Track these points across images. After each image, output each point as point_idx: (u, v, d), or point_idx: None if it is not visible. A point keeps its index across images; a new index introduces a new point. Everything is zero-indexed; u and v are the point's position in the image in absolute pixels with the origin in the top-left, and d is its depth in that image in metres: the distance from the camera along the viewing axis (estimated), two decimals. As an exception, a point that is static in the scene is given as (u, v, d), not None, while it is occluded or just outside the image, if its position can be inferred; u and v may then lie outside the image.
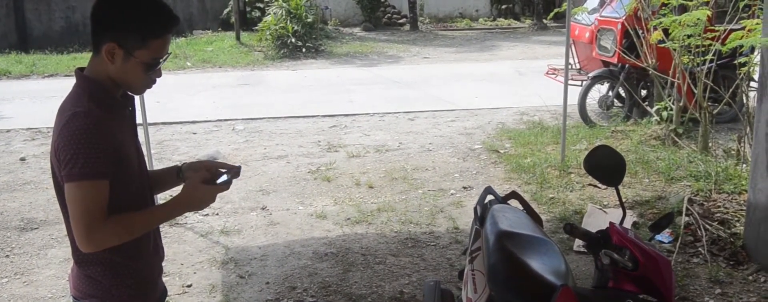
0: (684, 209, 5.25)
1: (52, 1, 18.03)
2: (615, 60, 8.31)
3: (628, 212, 5.33)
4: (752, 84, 7.25)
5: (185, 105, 10.42)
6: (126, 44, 1.98)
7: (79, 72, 2.07)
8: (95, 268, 2.09)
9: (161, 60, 2.06)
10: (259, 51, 16.05)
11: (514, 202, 3.21)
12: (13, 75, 13.72)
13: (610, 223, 2.33)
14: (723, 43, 6.47)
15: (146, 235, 2.18)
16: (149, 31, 1.99)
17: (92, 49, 2.06)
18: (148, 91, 2.18)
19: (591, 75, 8.65)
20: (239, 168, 2.13)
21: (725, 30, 6.69)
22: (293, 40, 15.75)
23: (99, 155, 1.90)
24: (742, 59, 6.61)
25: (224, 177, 2.15)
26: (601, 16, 8.75)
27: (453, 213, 5.70)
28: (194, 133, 8.63)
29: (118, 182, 1.97)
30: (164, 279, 2.36)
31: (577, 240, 4.64)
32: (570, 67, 8.10)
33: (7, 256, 5.12)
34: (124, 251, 2.08)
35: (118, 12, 1.98)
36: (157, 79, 2.13)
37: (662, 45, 7.12)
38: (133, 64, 2.01)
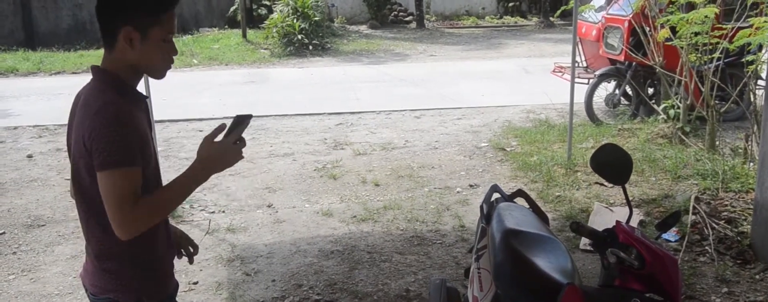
0: (691, 208, 5.23)
1: (59, -2, 18.07)
2: (622, 58, 8.28)
3: (635, 210, 5.32)
4: (760, 82, 7.24)
5: (191, 102, 10.44)
6: (140, 25, 1.99)
7: (96, 68, 2.08)
8: (113, 262, 2.11)
9: (172, 35, 2.08)
10: (265, 49, 16.06)
11: (520, 200, 3.21)
12: (20, 72, 13.76)
13: (617, 222, 2.33)
14: (730, 41, 6.46)
15: (161, 229, 2.20)
16: (159, 4, 2.01)
17: (104, 45, 2.07)
18: (152, 88, 2.20)
19: (598, 73, 8.63)
20: (249, 116, 2.10)
21: (733, 28, 6.66)
22: (300, 37, 15.76)
23: (132, 143, 1.93)
24: (749, 57, 6.59)
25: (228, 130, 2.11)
26: (608, 14, 8.72)
27: (459, 212, 5.70)
28: (200, 131, 8.64)
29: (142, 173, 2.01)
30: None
31: (583, 238, 4.64)
32: (577, 65, 8.08)
33: (14, 253, 5.14)
34: (141, 244, 2.09)
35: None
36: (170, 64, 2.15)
37: (669, 43, 7.10)
38: (152, 45, 2.03)
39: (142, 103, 2.13)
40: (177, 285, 2.38)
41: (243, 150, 2.09)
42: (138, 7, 1.98)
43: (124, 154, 1.91)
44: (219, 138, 2.07)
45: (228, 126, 2.08)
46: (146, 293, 2.17)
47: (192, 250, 2.50)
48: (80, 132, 1.98)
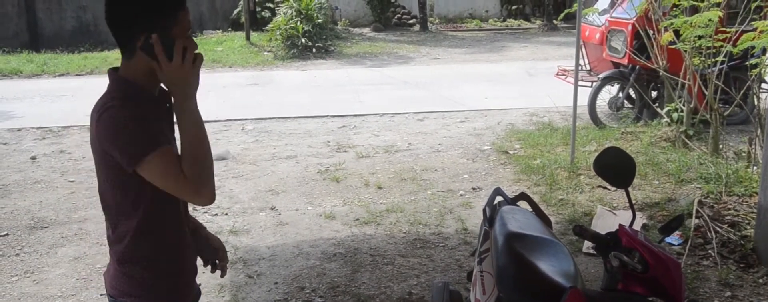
0: (694, 211, 5.22)
1: (63, 0, 18.11)
2: (625, 61, 8.28)
3: (638, 214, 5.31)
4: (763, 86, 7.24)
5: (195, 105, 10.43)
6: (158, 29, 1.95)
7: (113, 73, 2.07)
8: (135, 267, 2.11)
9: (190, 31, 2.05)
10: (268, 51, 16.08)
11: (523, 204, 3.21)
12: (24, 74, 13.78)
13: (620, 225, 2.33)
14: (734, 45, 6.45)
15: (186, 234, 2.23)
16: (174, 3, 1.99)
17: (121, 52, 2.04)
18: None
19: (601, 76, 8.62)
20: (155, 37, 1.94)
21: (736, 31, 6.66)
22: (303, 40, 15.77)
23: (145, 131, 1.94)
24: (753, 61, 6.58)
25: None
26: (611, 17, 8.72)
27: (462, 215, 5.69)
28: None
29: None
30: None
31: (586, 242, 4.64)
32: (580, 68, 8.07)
33: (17, 255, 5.15)
34: (165, 250, 2.12)
35: (136, 2, 1.97)
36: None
37: (673, 46, 7.09)
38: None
39: (164, 105, 2.11)
40: (199, 292, 2.37)
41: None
42: (152, 11, 1.96)
43: (144, 141, 1.92)
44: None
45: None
46: (167, 299, 2.17)
47: (219, 262, 2.48)
48: (94, 143, 2.01)
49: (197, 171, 1.95)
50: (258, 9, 19.89)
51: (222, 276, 2.53)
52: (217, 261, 2.48)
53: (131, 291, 2.13)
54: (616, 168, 2.47)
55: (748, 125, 7.79)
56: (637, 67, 8.16)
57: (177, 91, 1.98)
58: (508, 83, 12.07)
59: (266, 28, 17.18)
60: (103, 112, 1.95)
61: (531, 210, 3.16)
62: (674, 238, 4.96)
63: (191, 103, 1.99)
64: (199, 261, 2.39)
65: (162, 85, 2.05)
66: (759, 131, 6.26)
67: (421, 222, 5.56)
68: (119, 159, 1.94)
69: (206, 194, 1.98)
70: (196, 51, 2.02)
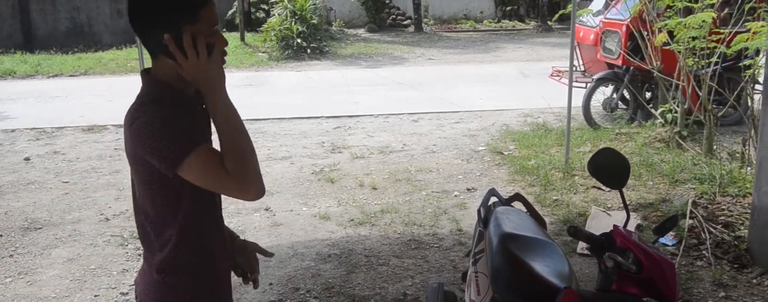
0: (688, 212, 5.24)
1: (57, 1, 18.07)
2: (619, 62, 8.29)
3: (632, 215, 5.32)
4: (757, 86, 7.25)
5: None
6: (178, 27, 1.87)
7: (145, 75, 2.01)
8: (177, 276, 2.04)
9: (216, 25, 1.97)
10: (263, 52, 16.07)
11: (517, 204, 3.21)
12: (18, 75, 13.75)
13: (614, 226, 2.33)
14: (728, 46, 6.47)
15: (222, 245, 2.17)
16: (192, 3, 1.90)
17: (150, 55, 1.98)
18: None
19: (595, 77, 8.64)
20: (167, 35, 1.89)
21: (730, 32, 6.68)
22: (298, 41, 15.76)
23: (184, 130, 1.87)
24: (746, 62, 6.59)
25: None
26: (605, 18, 8.74)
27: (456, 215, 5.70)
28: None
29: None
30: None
31: (580, 242, 4.64)
32: (574, 69, 8.09)
33: (11, 256, 5.13)
34: (203, 260, 2.06)
35: (155, 2, 1.90)
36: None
37: (667, 47, 7.11)
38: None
39: (198, 106, 2.04)
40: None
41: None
42: (171, 11, 1.88)
43: (182, 142, 1.86)
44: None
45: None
46: None
47: (250, 274, 2.39)
48: (129, 152, 1.95)
49: (241, 166, 1.88)
50: (253, 10, 19.88)
51: (254, 287, 2.48)
52: (248, 274, 2.39)
53: (165, 298, 2.06)
54: (610, 169, 2.48)
55: (741, 126, 7.80)
56: (632, 68, 8.17)
57: (202, 87, 1.92)
58: (503, 84, 12.08)
59: (261, 28, 17.18)
60: (134, 119, 1.89)
61: (525, 210, 3.16)
62: (668, 239, 4.97)
63: (221, 96, 1.92)
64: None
65: None
66: (752, 132, 6.28)
67: (415, 222, 5.56)
68: (158, 164, 1.88)
69: (253, 188, 1.90)
70: (221, 45, 1.95)
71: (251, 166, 1.90)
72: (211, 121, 1.97)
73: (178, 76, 1.94)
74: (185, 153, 1.85)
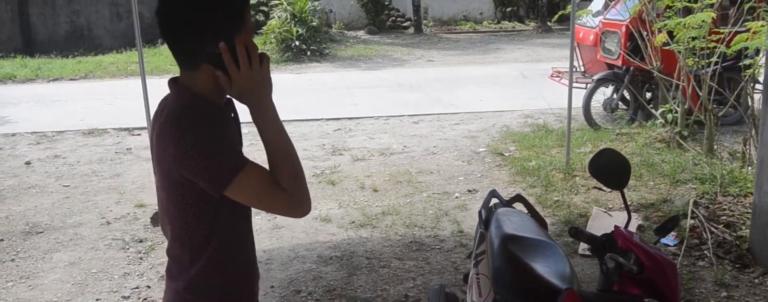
0: (689, 212, 5.23)
1: (56, 5, 18.08)
2: (619, 62, 8.29)
3: (633, 215, 5.31)
4: (757, 86, 7.25)
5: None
6: (226, 35, 1.77)
7: (177, 85, 1.88)
8: (204, 297, 1.95)
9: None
10: (263, 54, 16.06)
11: (518, 205, 3.21)
12: (18, 79, 13.76)
13: (615, 226, 2.33)
14: (728, 46, 6.47)
15: (252, 262, 2.06)
16: (238, 4, 1.81)
17: (182, 64, 1.86)
18: (149, 94, 2.06)
19: (595, 78, 8.64)
20: (222, 45, 1.79)
21: (730, 32, 6.68)
22: (297, 43, 15.76)
23: (230, 147, 1.78)
24: (746, 61, 6.60)
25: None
26: (605, 19, 8.74)
27: (458, 217, 5.69)
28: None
29: None
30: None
31: (582, 243, 4.63)
32: (574, 69, 8.09)
33: (13, 260, 5.13)
34: (232, 281, 1.96)
35: (199, 8, 1.77)
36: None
37: (667, 47, 7.11)
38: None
39: (229, 114, 1.93)
40: None
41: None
42: (224, 18, 1.77)
43: (230, 160, 1.76)
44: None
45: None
46: None
47: None
48: (163, 168, 1.84)
49: (297, 182, 1.81)
50: (252, 12, 19.88)
51: None
52: None
53: None
54: (611, 169, 2.47)
55: (742, 125, 7.80)
56: (632, 68, 8.18)
57: (253, 99, 1.82)
58: (503, 85, 12.08)
59: (260, 31, 17.18)
60: (175, 137, 1.76)
61: (526, 212, 3.16)
62: (670, 239, 4.97)
63: (271, 109, 1.84)
64: None
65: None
66: (753, 131, 6.28)
67: (416, 224, 5.56)
68: (205, 184, 1.77)
69: (306, 204, 1.85)
70: (260, 51, 1.87)
71: (304, 182, 1.85)
72: (258, 134, 1.86)
73: (217, 87, 1.84)
74: (235, 172, 1.76)
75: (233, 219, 1.91)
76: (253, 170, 1.78)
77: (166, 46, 1.95)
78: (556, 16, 9.46)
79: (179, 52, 1.83)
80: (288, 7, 16.28)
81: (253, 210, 2.00)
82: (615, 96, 8.63)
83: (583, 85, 8.71)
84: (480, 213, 3.13)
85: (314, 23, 16.52)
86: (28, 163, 7.69)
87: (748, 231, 4.85)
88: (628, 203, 2.52)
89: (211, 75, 1.81)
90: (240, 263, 2.00)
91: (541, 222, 3.06)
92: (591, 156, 2.51)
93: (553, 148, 7.56)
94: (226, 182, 1.76)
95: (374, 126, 9.17)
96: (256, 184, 1.79)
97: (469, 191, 6.35)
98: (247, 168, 1.77)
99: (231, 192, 1.78)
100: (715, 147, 6.90)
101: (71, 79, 13.63)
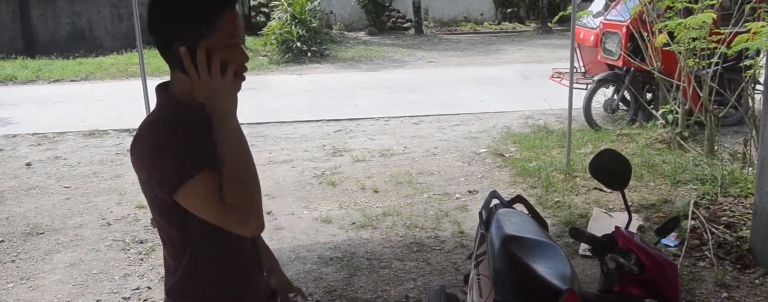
0: (690, 213, 5.23)
1: (57, 6, 18.09)
2: (620, 63, 8.29)
3: (634, 216, 5.30)
4: (758, 87, 7.25)
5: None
6: (190, 38, 1.75)
7: (160, 91, 1.90)
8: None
9: (237, 36, 1.81)
10: (264, 55, 16.08)
11: (519, 206, 3.21)
12: (19, 80, 13.76)
13: (616, 227, 2.33)
14: (728, 46, 6.47)
15: (243, 267, 2.01)
16: (209, 10, 1.76)
17: (169, 66, 1.87)
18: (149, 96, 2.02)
19: (596, 78, 8.64)
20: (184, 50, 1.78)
21: (730, 33, 6.68)
22: (298, 44, 15.77)
23: (188, 154, 1.75)
24: (747, 62, 6.60)
25: None
26: (606, 20, 8.74)
27: (458, 218, 5.69)
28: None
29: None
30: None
31: (582, 244, 4.63)
32: (575, 70, 8.09)
33: (13, 261, 5.13)
34: (219, 287, 1.95)
35: (168, 10, 1.77)
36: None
37: (667, 48, 7.11)
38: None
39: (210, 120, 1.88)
40: None
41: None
42: (183, 19, 1.76)
43: (183, 167, 1.73)
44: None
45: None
46: None
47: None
48: (136, 172, 1.85)
49: (243, 199, 1.74)
50: (253, 13, 19.89)
51: None
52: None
53: None
54: (611, 170, 2.47)
55: (742, 126, 7.80)
56: (632, 69, 8.18)
57: (213, 109, 1.79)
58: (504, 86, 12.08)
59: (261, 32, 17.19)
60: (138, 140, 1.80)
61: (527, 212, 3.16)
62: (670, 240, 4.96)
63: (231, 121, 1.78)
64: None
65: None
66: (754, 132, 6.28)
67: (417, 225, 5.56)
68: (158, 190, 1.78)
69: (253, 224, 1.77)
70: (244, 63, 1.84)
71: (254, 200, 1.78)
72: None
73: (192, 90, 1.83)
74: (183, 179, 1.73)
75: (206, 228, 1.83)
76: (202, 180, 1.74)
77: None
78: (557, 17, 9.46)
79: (160, 54, 1.85)
80: (288, 8, 16.29)
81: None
82: (615, 97, 8.63)
83: (584, 86, 8.71)
84: (480, 214, 3.13)
85: (315, 24, 16.53)
86: (28, 164, 7.69)
87: (748, 231, 4.85)
88: (629, 204, 2.52)
89: (187, 78, 1.81)
90: (222, 274, 1.95)
91: (541, 222, 3.06)
92: (591, 157, 2.51)
93: (554, 148, 7.56)
94: (173, 189, 1.75)
95: (375, 127, 9.17)
96: (202, 195, 1.74)
97: (470, 192, 6.35)
98: (198, 178, 1.73)
99: (179, 199, 1.76)
100: (716, 148, 6.90)
101: (72, 81, 13.63)
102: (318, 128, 9.16)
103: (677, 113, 7.46)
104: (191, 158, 1.75)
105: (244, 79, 1.87)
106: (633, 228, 2.56)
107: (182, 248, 1.89)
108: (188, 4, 1.76)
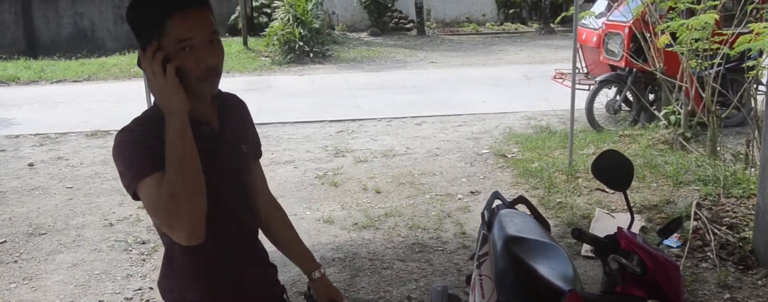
0: (692, 213, 5.22)
1: (60, 7, 18.12)
2: (622, 64, 8.29)
3: (636, 217, 5.31)
4: (760, 87, 7.25)
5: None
6: (148, 39, 1.77)
7: None
8: (164, 295, 2.00)
9: (193, 39, 1.78)
10: (266, 56, 16.08)
11: (521, 207, 3.21)
12: (21, 81, 13.78)
13: (619, 228, 2.33)
14: (731, 47, 6.46)
15: (231, 263, 2.02)
16: (156, 15, 1.76)
17: None
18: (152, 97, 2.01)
19: (598, 79, 8.63)
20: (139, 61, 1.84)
21: (733, 34, 6.67)
22: (300, 45, 15.77)
23: (148, 153, 1.76)
24: (750, 63, 6.59)
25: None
26: (608, 20, 8.74)
27: (460, 218, 5.69)
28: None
29: None
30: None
31: (585, 245, 4.63)
32: (577, 71, 8.08)
33: (16, 261, 5.14)
34: (194, 286, 1.96)
35: (131, 14, 1.81)
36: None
37: (670, 49, 7.10)
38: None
39: (197, 127, 1.86)
40: None
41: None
42: (143, 22, 1.79)
43: (140, 165, 1.76)
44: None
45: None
46: None
47: None
48: None
49: (171, 205, 1.69)
50: (255, 14, 19.89)
51: None
52: None
53: None
54: (613, 171, 2.47)
55: (745, 127, 7.79)
56: (634, 69, 8.17)
57: (163, 108, 1.78)
58: (506, 87, 12.08)
59: (263, 33, 17.20)
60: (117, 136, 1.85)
61: (529, 213, 3.16)
62: (673, 241, 4.96)
63: (173, 121, 1.74)
64: None
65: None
66: (756, 133, 6.27)
67: (419, 226, 5.56)
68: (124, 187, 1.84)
69: (181, 231, 1.71)
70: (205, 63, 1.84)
71: (183, 208, 1.70)
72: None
73: None
74: (136, 180, 1.76)
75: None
76: (150, 183, 1.74)
77: None
78: (559, 18, 9.47)
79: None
80: (291, 9, 16.29)
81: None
82: (618, 97, 8.63)
83: (586, 87, 8.70)
84: (483, 214, 3.12)
85: (317, 25, 16.54)
86: (31, 165, 7.70)
87: (751, 232, 4.84)
88: (631, 205, 2.51)
89: None
90: (195, 269, 1.95)
91: (543, 223, 3.06)
92: (594, 157, 2.51)
93: (556, 149, 7.56)
94: (130, 188, 1.80)
95: (377, 127, 9.17)
96: (147, 197, 1.76)
97: (472, 193, 6.34)
98: (148, 180, 1.75)
99: (139, 199, 1.79)
100: (718, 148, 6.89)
101: (74, 81, 13.65)
102: (320, 129, 9.16)
103: (680, 114, 7.45)
104: (147, 160, 1.76)
105: (203, 78, 1.84)
106: (635, 229, 2.56)
107: (163, 244, 1.98)
108: (140, 9, 1.80)
